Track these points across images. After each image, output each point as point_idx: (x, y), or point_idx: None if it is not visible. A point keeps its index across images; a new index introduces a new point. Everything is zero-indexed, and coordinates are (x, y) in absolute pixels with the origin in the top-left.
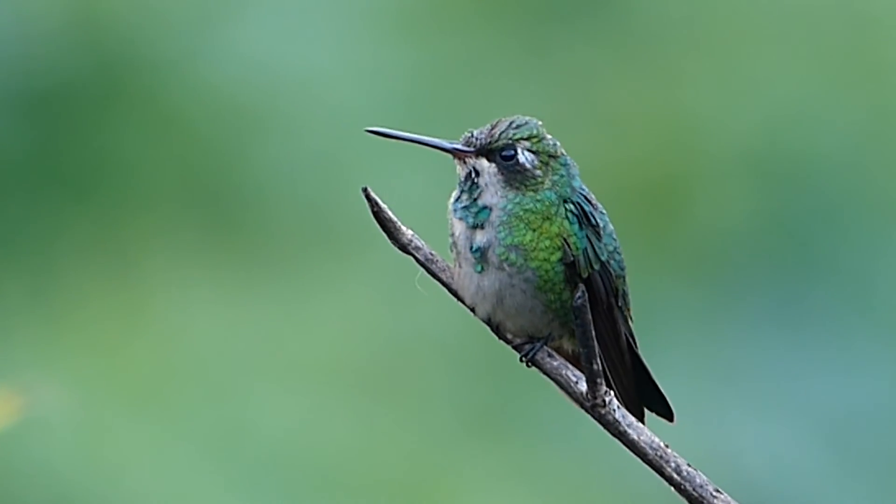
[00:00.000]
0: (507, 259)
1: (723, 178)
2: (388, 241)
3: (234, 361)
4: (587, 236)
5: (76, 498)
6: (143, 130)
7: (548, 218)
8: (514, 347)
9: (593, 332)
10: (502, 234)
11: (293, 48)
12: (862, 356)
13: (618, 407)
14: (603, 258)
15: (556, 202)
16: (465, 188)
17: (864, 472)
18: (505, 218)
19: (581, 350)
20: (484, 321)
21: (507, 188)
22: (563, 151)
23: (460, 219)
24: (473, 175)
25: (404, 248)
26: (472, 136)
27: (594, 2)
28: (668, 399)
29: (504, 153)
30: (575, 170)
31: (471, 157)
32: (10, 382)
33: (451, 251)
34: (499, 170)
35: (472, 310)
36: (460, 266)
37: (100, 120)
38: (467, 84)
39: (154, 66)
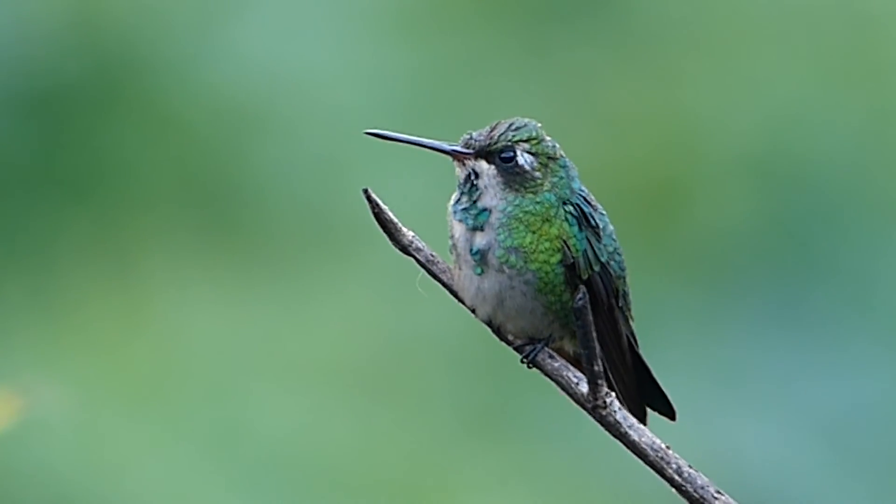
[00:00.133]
0: (506, 261)
1: (723, 179)
2: (389, 243)
3: (233, 362)
4: (587, 238)
5: (76, 498)
6: (143, 131)
7: (547, 220)
8: (516, 349)
9: (594, 334)
10: (502, 237)
11: (292, 49)
12: (862, 357)
13: (619, 408)
14: (603, 259)
15: (556, 204)
16: (465, 190)
17: (864, 473)
18: (504, 220)
19: (582, 351)
20: (485, 322)
21: (507, 190)
22: (563, 153)
23: (460, 221)
24: (473, 177)
25: (405, 249)
26: (472, 137)
27: (594, 2)
28: (669, 398)
29: (503, 155)
30: (574, 171)
31: (470, 160)
32: (10, 383)
33: (451, 253)
34: (498, 172)
35: (473, 311)
36: (460, 268)
37: (99, 121)
38: (467, 85)
39: (154, 67)
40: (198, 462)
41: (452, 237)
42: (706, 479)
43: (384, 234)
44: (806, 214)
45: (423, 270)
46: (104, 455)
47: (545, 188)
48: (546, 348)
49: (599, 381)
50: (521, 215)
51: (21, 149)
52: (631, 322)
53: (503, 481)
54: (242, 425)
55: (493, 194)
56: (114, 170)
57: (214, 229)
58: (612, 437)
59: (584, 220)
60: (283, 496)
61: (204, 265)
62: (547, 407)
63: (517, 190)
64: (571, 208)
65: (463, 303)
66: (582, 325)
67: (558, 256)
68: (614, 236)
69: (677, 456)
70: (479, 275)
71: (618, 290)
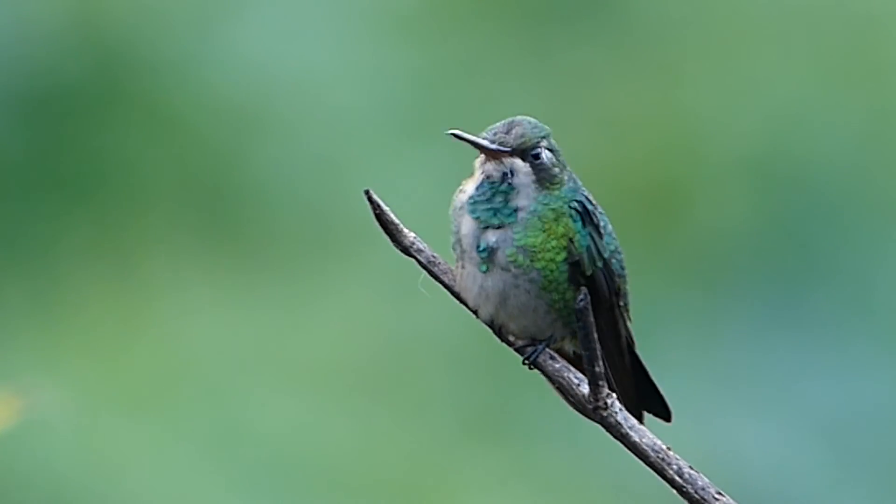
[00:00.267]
0: (514, 260)
1: (723, 180)
2: (389, 244)
3: (234, 363)
4: (590, 234)
5: (76, 499)
6: (144, 132)
7: (557, 218)
8: (517, 350)
9: (595, 335)
10: (518, 235)
11: (293, 49)
12: (862, 358)
13: (620, 409)
14: (605, 256)
15: (566, 201)
16: (500, 188)
17: (864, 474)
18: (528, 218)
19: (583, 352)
20: (486, 323)
21: (539, 188)
22: None
23: (477, 217)
24: (509, 176)
25: (406, 250)
26: (496, 135)
27: (594, 3)
28: (666, 400)
29: (533, 153)
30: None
31: (507, 157)
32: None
33: (454, 250)
34: (532, 170)
35: (475, 312)
36: (463, 266)
37: (100, 122)
38: (467, 85)
39: (154, 68)
40: (198, 463)
41: (457, 233)
42: (707, 481)
43: (385, 236)
44: (806, 215)
45: (424, 271)
46: (104, 456)
47: (565, 184)
48: (547, 349)
49: (600, 382)
50: (545, 212)
51: (21, 150)
52: (629, 323)
53: (503, 482)
54: (242, 426)
55: (526, 193)
56: (114, 171)
57: (215, 230)
58: (612, 438)
59: (587, 216)
60: (283, 497)
61: (204, 266)
62: (547, 408)
63: (547, 187)
64: (575, 205)
65: (465, 304)
66: (583, 325)
67: (564, 254)
68: (614, 235)
69: (678, 457)
70: (484, 272)
71: (618, 290)
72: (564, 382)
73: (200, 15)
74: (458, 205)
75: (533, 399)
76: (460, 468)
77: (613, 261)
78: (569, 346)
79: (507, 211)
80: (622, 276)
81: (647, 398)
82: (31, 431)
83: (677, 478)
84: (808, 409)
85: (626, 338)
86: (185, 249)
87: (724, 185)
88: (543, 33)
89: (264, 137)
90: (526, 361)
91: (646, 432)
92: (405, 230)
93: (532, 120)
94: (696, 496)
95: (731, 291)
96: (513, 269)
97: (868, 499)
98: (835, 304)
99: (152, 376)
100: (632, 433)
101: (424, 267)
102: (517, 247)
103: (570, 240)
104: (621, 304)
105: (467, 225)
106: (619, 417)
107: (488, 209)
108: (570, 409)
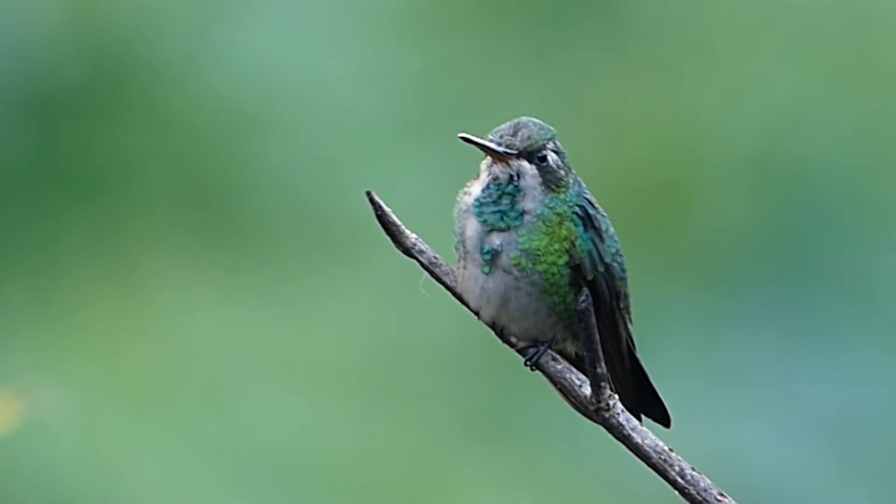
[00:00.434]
0: (517, 263)
1: (723, 181)
2: (391, 245)
3: (234, 363)
4: (591, 239)
5: (77, 500)
6: (144, 133)
7: (560, 221)
8: (518, 351)
9: (597, 336)
10: (522, 238)
11: (293, 50)
12: (862, 358)
13: (622, 410)
14: (607, 260)
15: (570, 205)
16: (507, 191)
17: (864, 475)
18: (533, 221)
19: (585, 353)
20: (488, 324)
21: (546, 191)
22: None
23: (484, 221)
24: (516, 178)
25: (408, 251)
26: (502, 137)
27: (595, 5)
28: (665, 404)
29: (539, 155)
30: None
31: (514, 160)
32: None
33: (456, 251)
34: (539, 172)
35: (477, 313)
36: (465, 267)
37: (99, 123)
38: (468, 86)
39: (154, 68)
40: (198, 463)
41: (461, 235)
42: (709, 482)
43: (387, 237)
44: (806, 216)
45: (425, 273)
46: (105, 456)
47: (571, 187)
48: (549, 350)
49: (602, 384)
50: (550, 216)
51: (21, 151)
52: (630, 325)
53: (504, 483)
54: (243, 426)
55: (533, 196)
56: (114, 171)
57: (215, 231)
58: (614, 439)
59: (588, 220)
60: (283, 497)
61: (204, 266)
62: (548, 409)
63: (553, 190)
64: (577, 209)
65: (466, 305)
66: (585, 326)
67: (565, 258)
68: (616, 238)
69: (680, 458)
70: (486, 274)
71: (619, 292)
72: (566, 384)
73: (200, 16)
74: (464, 207)
75: (534, 400)
76: (461, 469)
77: (615, 264)
78: (571, 348)
79: (513, 214)
80: (623, 279)
81: (646, 402)
82: (32, 432)
83: (679, 479)
84: (808, 409)
85: (627, 341)
86: (185, 249)
87: (724, 186)
88: (544, 34)
89: (264, 138)
90: (528, 363)
91: (648, 434)
92: (407, 231)
93: (538, 122)
94: (699, 498)
95: (732, 291)
96: (515, 272)
97: (868, 499)
98: (835, 304)
99: (152, 376)
100: (634, 434)
101: (426, 268)
102: (521, 250)
103: (572, 243)
104: (622, 306)
105: (472, 227)
106: (622, 419)
107: (495, 211)
108: (572, 410)
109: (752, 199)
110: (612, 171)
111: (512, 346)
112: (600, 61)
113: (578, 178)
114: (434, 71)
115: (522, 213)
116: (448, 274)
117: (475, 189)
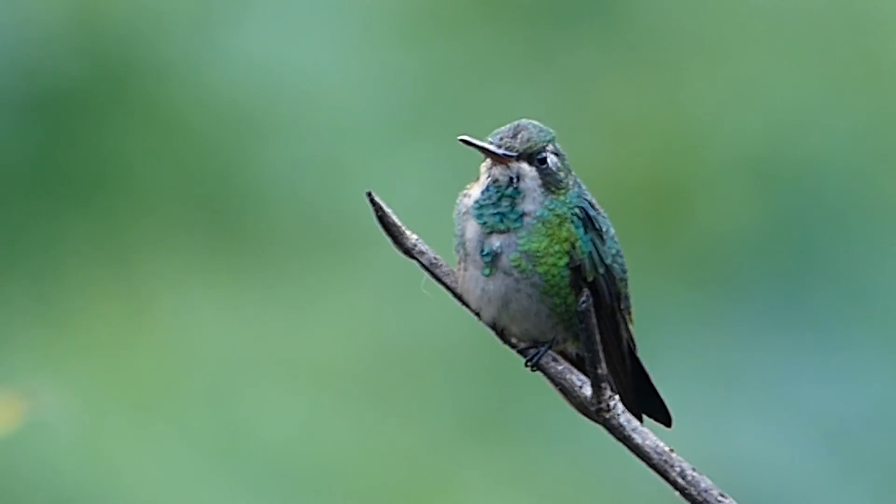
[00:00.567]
0: (518, 265)
1: (724, 182)
2: (391, 246)
3: (235, 364)
4: (591, 240)
5: (79, 501)
6: (145, 134)
7: (560, 223)
8: (519, 352)
9: (598, 336)
10: (523, 240)
11: (295, 52)
12: (863, 359)
13: (623, 411)
14: (607, 262)
15: (570, 206)
16: (506, 193)
17: (865, 476)
18: (533, 222)
19: (585, 354)
20: (488, 325)
21: (545, 193)
22: None
23: (483, 223)
24: (515, 180)
25: (408, 252)
26: (501, 139)
27: (596, 6)
28: (666, 404)
29: (539, 157)
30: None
31: (513, 162)
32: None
33: (457, 252)
34: (539, 174)
35: (477, 314)
36: (466, 269)
37: (101, 124)
38: (468, 88)
39: (156, 69)
40: (200, 464)
41: (461, 236)
42: (710, 483)
43: (388, 238)
44: (807, 217)
45: (426, 274)
46: (107, 457)
47: (570, 189)
48: (549, 351)
49: (603, 384)
50: (550, 217)
51: (22, 152)
52: (631, 326)
53: (505, 483)
54: (244, 428)
55: (532, 198)
56: (115, 172)
57: (217, 231)
58: (615, 441)
59: (588, 222)
60: (284, 498)
61: (206, 267)
62: (549, 410)
63: (553, 192)
64: (577, 210)
65: (467, 306)
66: (586, 327)
67: (566, 259)
68: (616, 239)
69: (681, 459)
70: (487, 276)
71: (619, 293)
72: (567, 384)
73: (202, 17)
74: (463, 209)
75: (534, 401)
76: (462, 470)
77: (615, 265)
78: (571, 349)
79: (513, 216)
80: (624, 280)
81: (647, 402)
82: (34, 433)
83: (680, 480)
84: (809, 410)
85: (628, 341)
86: (186, 250)
87: (724, 187)
88: (544, 35)
89: (266, 139)
90: (528, 364)
91: (648, 434)
92: (407, 232)
93: (537, 124)
94: (699, 498)
95: (732, 293)
96: (515, 274)
97: (869, 500)
98: (836, 305)
99: (154, 377)
100: (634, 435)
101: (427, 269)
102: (521, 251)
103: (573, 245)
104: (623, 307)
105: (472, 229)
106: (622, 419)
107: (495, 213)
108: (572, 410)
109: (752, 199)
110: (613, 172)
111: (513, 347)
112: (600, 62)
113: (578, 180)
114: (435, 72)
115: (522, 214)
116: (449, 275)
117: (475, 191)
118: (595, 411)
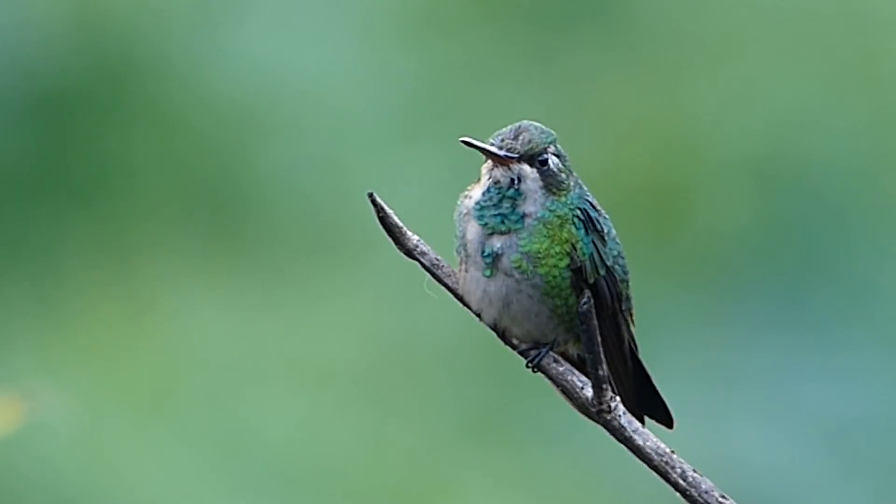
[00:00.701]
0: (518, 266)
1: (724, 183)
2: (393, 247)
3: (236, 365)
4: (593, 241)
5: (79, 501)
6: (146, 135)
7: (561, 224)
8: (520, 353)
9: (599, 338)
10: (523, 241)
11: (296, 53)
12: (864, 360)
13: (623, 412)
14: (609, 263)
15: (571, 208)
16: (507, 194)
17: (865, 477)
18: (534, 224)
19: (587, 355)
20: (490, 326)
21: (546, 194)
22: None
23: (484, 224)
24: (517, 182)
25: (410, 253)
26: (502, 141)
27: (596, 7)
28: (667, 405)
29: (540, 158)
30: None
31: (515, 163)
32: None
33: (458, 254)
34: (540, 176)
35: (479, 315)
36: (467, 270)
37: (102, 124)
38: (469, 89)
39: (156, 70)
40: (200, 466)
41: (462, 238)
42: (711, 484)
43: (389, 239)
44: (807, 218)
45: (427, 274)
46: (107, 459)
47: (572, 190)
48: (551, 352)
49: (604, 386)
50: (551, 219)
51: (23, 153)
52: (632, 327)
53: (505, 484)
54: (245, 429)
55: (533, 199)
56: (116, 173)
57: (217, 232)
58: (616, 442)
59: (590, 223)
60: (284, 498)
61: (207, 268)
62: (550, 411)
63: (554, 193)
64: (578, 212)
65: (468, 307)
66: (587, 328)
67: (566, 261)
68: (618, 240)
69: (682, 460)
70: (488, 277)
71: (621, 294)
72: (568, 386)
73: (203, 17)
74: (464, 210)
75: (534, 401)
76: (462, 470)
77: (616, 266)
78: (572, 350)
79: (514, 217)
80: (625, 281)
81: (649, 403)
82: (34, 434)
83: (681, 481)
84: (810, 411)
85: (629, 342)
86: (187, 251)
87: (725, 187)
88: (545, 37)
89: (267, 139)
90: (529, 365)
91: (649, 436)
92: (409, 233)
93: (539, 125)
94: (700, 500)
95: (733, 293)
96: (516, 275)
97: (869, 500)
98: (836, 306)
99: (154, 379)
100: (635, 436)
101: (428, 270)
102: (522, 253)
103: (574, 246)
104: (624, 308)
105: (473, 230)
106: (623, 420)
107: (496, 215)
108: (572, 411)
109: (753, 200)
110: (613, 173)
111: (514, 348)
112: (600, 63)
113: (580, 181)
114: (435, 72)
115: (523, 216)
116: (450, 276)
117: (476, 192)
118: (596, 412)
